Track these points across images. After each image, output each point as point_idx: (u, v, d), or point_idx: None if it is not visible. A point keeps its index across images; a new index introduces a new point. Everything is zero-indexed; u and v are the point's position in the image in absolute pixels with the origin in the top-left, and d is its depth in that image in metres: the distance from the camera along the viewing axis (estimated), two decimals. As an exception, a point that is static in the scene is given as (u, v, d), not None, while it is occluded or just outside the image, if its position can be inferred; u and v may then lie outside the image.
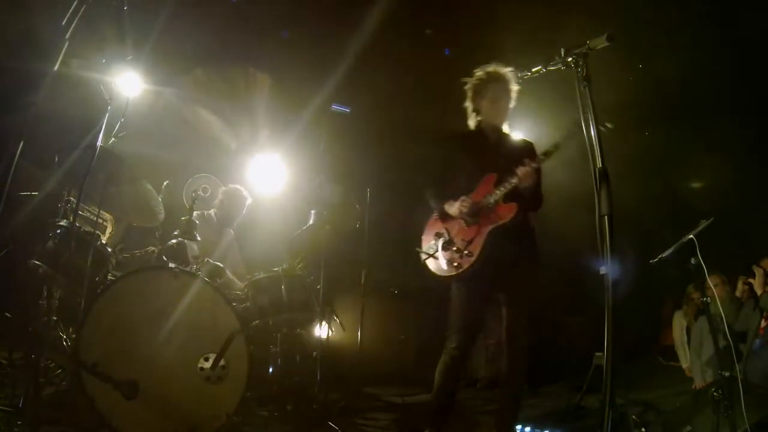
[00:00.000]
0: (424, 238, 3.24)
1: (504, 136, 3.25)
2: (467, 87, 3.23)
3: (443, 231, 3.12)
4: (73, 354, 2.85)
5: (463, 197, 3.02)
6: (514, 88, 3.14)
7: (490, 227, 2.96)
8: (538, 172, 2.97)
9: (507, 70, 3.13)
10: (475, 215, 3.01)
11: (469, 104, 3.25)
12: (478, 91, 3.19)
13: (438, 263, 3.08)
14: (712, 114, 5.64)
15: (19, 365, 3.42)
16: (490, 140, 3.20)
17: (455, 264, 2.98)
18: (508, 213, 2.97)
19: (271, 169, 5.14)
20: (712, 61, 5.40)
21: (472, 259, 2.93)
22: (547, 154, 2.93)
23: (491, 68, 3.17)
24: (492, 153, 3.14)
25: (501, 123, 3.21)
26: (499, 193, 2.97)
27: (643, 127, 5.98)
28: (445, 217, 3.14)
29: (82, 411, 2.81)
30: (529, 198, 3.04)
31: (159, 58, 4.36)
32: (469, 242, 2.98)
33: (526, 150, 3.16)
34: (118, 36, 3.01)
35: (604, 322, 1.85)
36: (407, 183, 6.11)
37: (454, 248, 3.01)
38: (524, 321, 3.06)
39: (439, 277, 3.07)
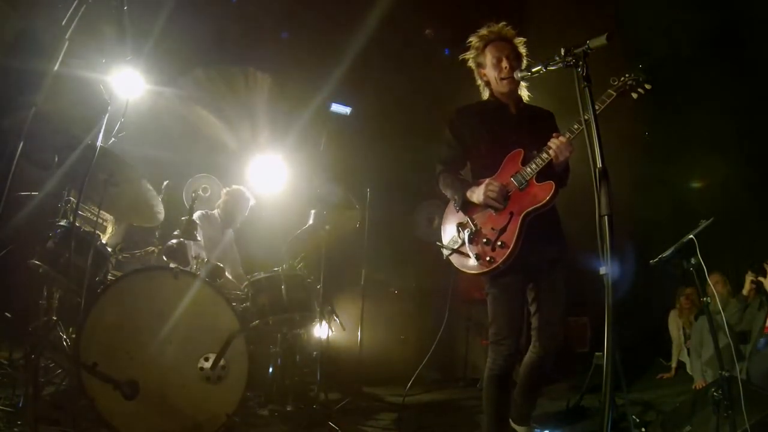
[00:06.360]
0: (443, 231, 2.82)
1: (525, 106, 2.86)
2: (469, 63, 2.87)
3: (467, 221, 2.69)
4: (73, 354, 2.85)
5: (488, 180, 2.63)
6: (519, 41, 2.79)
7: (526, 211, 2.56)
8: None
9: (502, 25, 2.78)
10: (504, 200, 2.61)
11: (478, 81, 2.89)
12: (480, 62, 2.83)
13: (465, 259, 2.66)
14: (713, 112, 5.64)
15: (19, 365, 3.42)
16: (510, 111, 2.80)
17: (487, 258, 2.57)
18: (544, 193, 2.54)
19: (271, 169, 5.14)
20: (711, 60, 5.42)
21: (507, 250, 2.53)
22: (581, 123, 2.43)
23: (483, 30, 2.81)
24: (514, 126, 2.76)
25: (515, 88, 2.78)
26: (531, 170, 2.57)
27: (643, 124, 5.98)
28: (466, 206, 2.71)
29: (82, 411, 2.81)
30: (562, 175, 2.67)
31: (159, 58, 4.36)
32: (501, 231, 2.57)
33: (550, 121, 2.83)
34: (118, 36, 3.01)
35: (604, 322, 1.84)
36: (407, 183, 6.12)
37: (484, 240, 2.60)
38: (560, 322, 2.68)
39: (469, 274, 2.67)
